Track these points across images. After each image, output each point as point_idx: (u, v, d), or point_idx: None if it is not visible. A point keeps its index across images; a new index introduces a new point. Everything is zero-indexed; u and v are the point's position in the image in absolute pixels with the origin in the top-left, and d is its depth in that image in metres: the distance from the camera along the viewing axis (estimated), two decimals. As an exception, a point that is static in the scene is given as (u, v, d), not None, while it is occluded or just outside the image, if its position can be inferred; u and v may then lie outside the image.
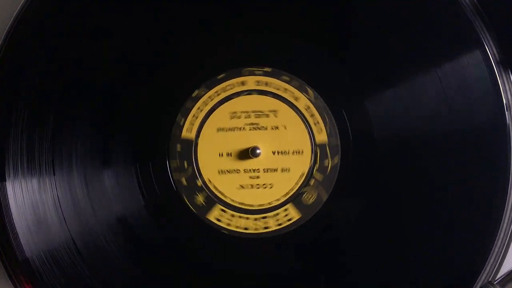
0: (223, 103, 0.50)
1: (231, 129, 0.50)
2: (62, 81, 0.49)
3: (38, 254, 0.48)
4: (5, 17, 0.50)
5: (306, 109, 0.50)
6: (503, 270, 0.48)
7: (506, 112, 0.47)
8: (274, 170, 0.50)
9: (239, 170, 0.50)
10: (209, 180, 0.50)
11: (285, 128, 0.50)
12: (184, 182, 0.50)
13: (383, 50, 0.49)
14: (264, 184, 0.50)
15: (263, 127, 0.50)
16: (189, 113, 0.50)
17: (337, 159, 0.49)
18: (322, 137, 0.50)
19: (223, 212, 0.50)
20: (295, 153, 0.50)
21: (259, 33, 0.50)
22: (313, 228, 0.49)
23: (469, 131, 0.47)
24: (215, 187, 0.50)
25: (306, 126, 0.50)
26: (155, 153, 0.50)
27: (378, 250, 0.48)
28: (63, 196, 0.49)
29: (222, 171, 0.50)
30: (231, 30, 0.50)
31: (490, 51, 0.47)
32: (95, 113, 0.49)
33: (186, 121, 0.50)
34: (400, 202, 0.48)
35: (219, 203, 0.50)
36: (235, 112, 0.50)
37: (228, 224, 0.50)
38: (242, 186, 0.50)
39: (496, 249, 0.47)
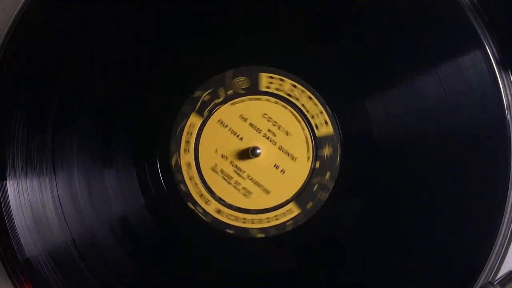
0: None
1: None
2: (63, 80, 0.49)
3: (38, 254, 0.48)
4: (5, 17, 0.50)
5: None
6: (503, 270, 0.48)
7: (506, 112, 0.47)
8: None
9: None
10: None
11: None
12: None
13: (383, 50, 0.49)
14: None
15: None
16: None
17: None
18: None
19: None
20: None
21: (260, 33, 0.50)
22: (312, 227, 0.49)
23: (470, 131, 0.47)
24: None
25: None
26: (156, 153, 0.50)
27: (377, 250, 0.48)
28: (63, 195, 0.49)
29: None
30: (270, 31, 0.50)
31: (490, 51, 0.47)
32: (96, 113, 0.49)
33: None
34: (400, 202, 0.48)
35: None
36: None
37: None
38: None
39: (496, 249, 0.47)
